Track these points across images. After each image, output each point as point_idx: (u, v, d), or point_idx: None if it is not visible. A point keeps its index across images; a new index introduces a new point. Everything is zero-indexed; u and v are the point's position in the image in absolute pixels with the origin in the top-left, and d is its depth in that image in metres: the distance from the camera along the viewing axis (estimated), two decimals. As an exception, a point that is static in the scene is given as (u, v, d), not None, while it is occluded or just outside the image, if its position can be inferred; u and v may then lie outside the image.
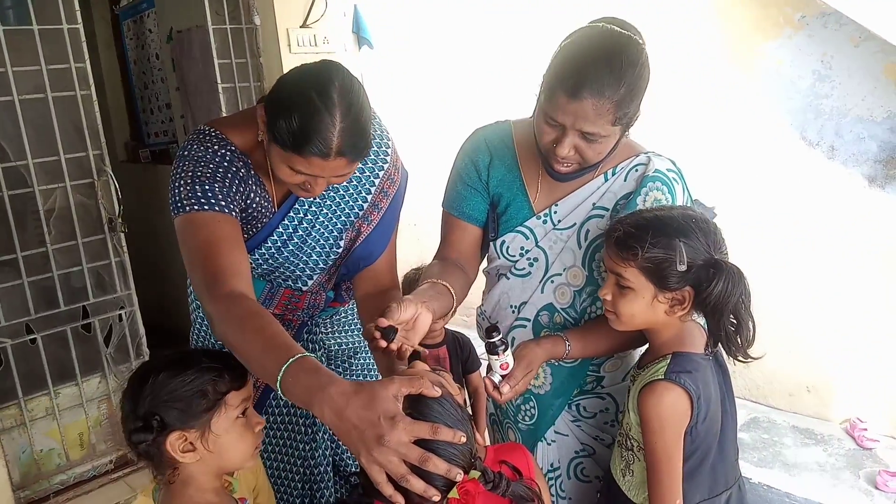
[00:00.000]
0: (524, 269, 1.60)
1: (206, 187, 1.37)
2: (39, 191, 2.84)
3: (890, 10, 2.56)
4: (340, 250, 1.62)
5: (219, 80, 3.23)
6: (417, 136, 4.19)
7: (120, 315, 3.09)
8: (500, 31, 4.01)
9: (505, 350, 1.40)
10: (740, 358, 1.33)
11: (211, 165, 1.40)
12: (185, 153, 1.42)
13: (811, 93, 3.01)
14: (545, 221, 1.56)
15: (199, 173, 1.38)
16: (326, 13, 3.29)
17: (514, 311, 1.63)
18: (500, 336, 1.41)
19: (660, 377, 1.31)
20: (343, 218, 1.59)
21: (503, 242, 1.60)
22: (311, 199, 1.52)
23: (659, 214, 1.35)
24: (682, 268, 1.28)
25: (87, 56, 2.89)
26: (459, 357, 2.21)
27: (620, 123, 1.36)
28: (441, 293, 1.42)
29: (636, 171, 1.49)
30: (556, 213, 1.54)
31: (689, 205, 1.49)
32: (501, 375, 1.43)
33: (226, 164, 1.42)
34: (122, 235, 3.06)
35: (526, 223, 1.57)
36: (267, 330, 1.18)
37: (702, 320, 1.41)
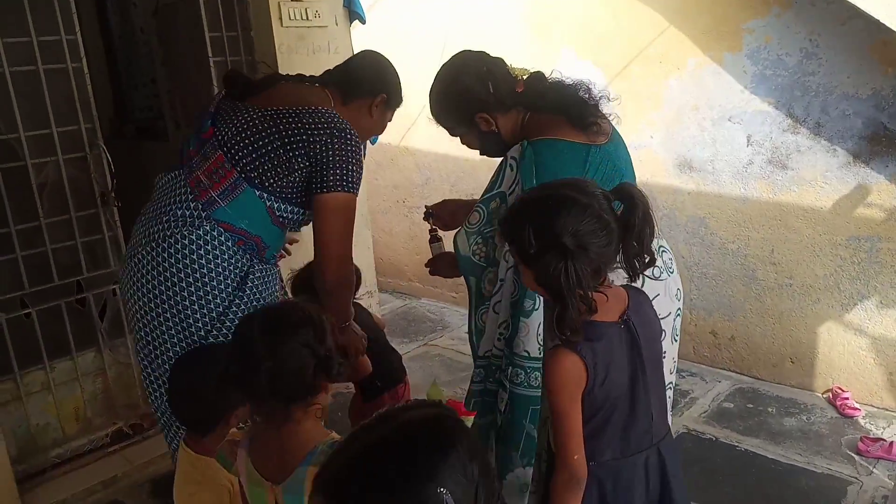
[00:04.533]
0: None
1: (361, 175, 1.85)
2: (31, 164, 2.82)
3: (877, -12, 2.61)
4: None
5: (210, 54, 3.21)
6: (408, 112, 4.18)
7: (114, 290, 3.07)
8: (492, 5, 4.02)
9: (433, 242, 2.22)
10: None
11: (360, 154, 1.85)
12: (353, 136, 1.83)
13: (798, 70, 3.06)
14: None
15: (361, 162, 1.84)
16: (319, -13, 3.28)
17: None
18: (436, 233, 2.21)
19: (560, 343, 1.40)
20: None
21: None
22: None
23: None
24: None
25: (77, 28, 2.86)
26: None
27: (460, 128, 1.93)
28: None
29: None
30: None
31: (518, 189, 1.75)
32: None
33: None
34: (115, 210, 3.04)
35: None
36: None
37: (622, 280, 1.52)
